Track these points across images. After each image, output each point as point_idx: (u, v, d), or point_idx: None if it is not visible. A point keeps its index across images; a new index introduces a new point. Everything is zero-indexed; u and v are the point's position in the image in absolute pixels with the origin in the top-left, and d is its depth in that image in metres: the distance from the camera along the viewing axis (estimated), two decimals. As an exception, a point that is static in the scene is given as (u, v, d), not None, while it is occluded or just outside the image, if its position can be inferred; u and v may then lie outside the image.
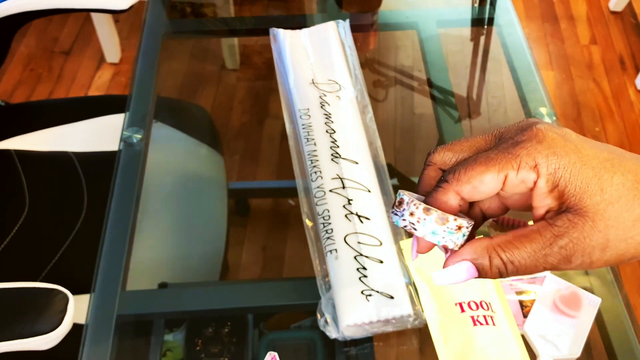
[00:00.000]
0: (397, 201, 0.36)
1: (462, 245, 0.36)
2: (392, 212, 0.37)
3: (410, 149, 0.95)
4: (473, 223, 0.37)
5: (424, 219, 0.35)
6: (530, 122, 0.36)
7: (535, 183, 0.34)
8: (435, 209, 0.35)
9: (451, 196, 0.36)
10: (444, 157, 0.38)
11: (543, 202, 0.35)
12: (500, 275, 0.35)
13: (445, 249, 0.37)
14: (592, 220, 0.33)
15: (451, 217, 0.35)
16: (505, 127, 0.37)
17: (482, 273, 0.35)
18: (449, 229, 0.35)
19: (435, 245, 0.37)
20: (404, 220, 0.36)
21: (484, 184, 0.35)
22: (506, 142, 0.36)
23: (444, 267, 0.36)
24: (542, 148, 0.34)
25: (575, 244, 0.33)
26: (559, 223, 0.34)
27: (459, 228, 0.35)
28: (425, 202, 0.36)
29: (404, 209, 0.36)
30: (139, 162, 0.83)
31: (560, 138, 0.34)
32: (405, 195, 0.36)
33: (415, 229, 0.35)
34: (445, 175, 0.36)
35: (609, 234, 0.33)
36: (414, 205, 0.35)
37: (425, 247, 0.38)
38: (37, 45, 1.96)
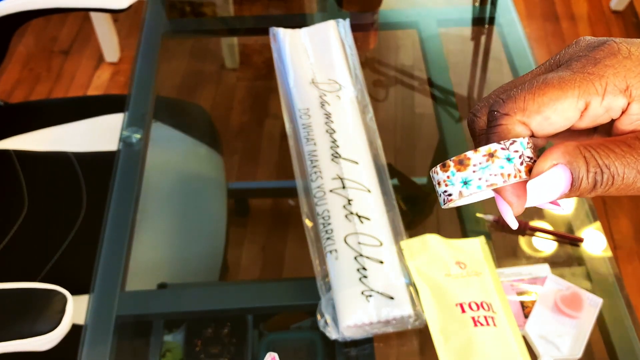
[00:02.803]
0: (437, 182, 0.29)
1: (531, 168, 0.28)
2: (445, 195, 0.29)
3: (410, 149, 0.95)
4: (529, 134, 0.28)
5: (475, 166, 0.27)
6: (599, 39, 0.28)
7: (624, 110, 0.27)
8: (471, 152, 0.27)
9: (519, 129, 0.28)
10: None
11: (634, 130, 0.28)
12: (594, 186, 0.27)
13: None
14: None
15: (497, 145, 0.27)
16: (564, 50, 0.29)
17: (575, 182, 0.27)
18: (505, 158, 0.27)
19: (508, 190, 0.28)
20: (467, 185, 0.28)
21: (558, 114, 0.27)
22: (577, 60, 0.27)
23: (528, 187, 0.28)
24: (632, 65, 0.26)
25: None
26: None
27: (514, 143, 0.27)
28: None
29: (449, 178, 0.28)
30: (138, 162, 0.82)
31: None
32: (437, 172, 0.28)
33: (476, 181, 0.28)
34: (500, 106, 0.28)
35: None
36: (446, 166, 0.28)
37: (517, 195, 0.28)
38: (36, 45, 1.96)
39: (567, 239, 0.74)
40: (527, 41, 0.95)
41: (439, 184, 0.29)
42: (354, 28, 0.91)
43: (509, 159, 0.27)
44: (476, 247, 0.69)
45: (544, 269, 0.69)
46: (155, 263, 0.86)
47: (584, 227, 0.75)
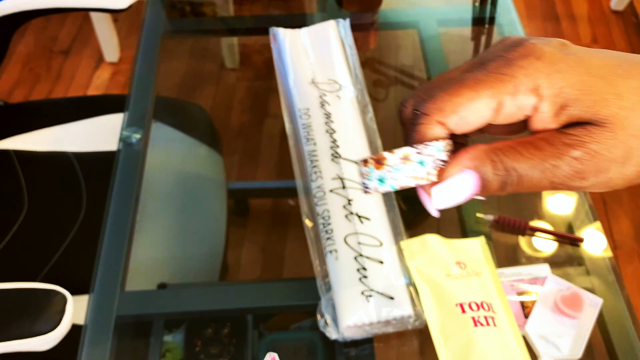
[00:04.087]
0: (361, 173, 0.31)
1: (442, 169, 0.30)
2: (364, 186, 0.31)
3: (410, 149, 0.95)
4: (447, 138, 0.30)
5: (391, 166, 0.30)
6: (519, 39, 0.30)
7: (536, 108, 0.29)
8: (390, 151, 0.30)
9: (437, 129, 0.29)
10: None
11: (546, 128, 0.29)
12: (502, 187, 0.29)
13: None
14: (611, 131, 0.27)
15: (411, 149, 0.30)
16: (491, 47, 0.31)
17: (484, 184, 0.29)
18: (418, 162, 0.30)
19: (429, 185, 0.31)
20: (383, 184, 0.30)
21: (473, 113, 0.29)
22: (494, 60, 0.29)
23: (432, 192, 0.30)
24: (542, 65, 0.28)
25: (592, 156, 0.28)
26: (573, 132, 0.28)
27: (428, 147, 0.29)
28: (406, 144, 0.31)
29: (368, 174, 0.30)
30: (138, 162, 0.82)
31: (559, 52, 0.28)
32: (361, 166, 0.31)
33: (394, 180, 0.30)
34: (421, 106, 0.30)
35: (631, 144, 0.27)
36: (366, 162, 0.30)
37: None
38: (35, 45, 1.96)
39: (567, 239, 0.74)
40: (527, 41, 0.95)
41: (361, 175, 0.31)
42: (354, 28, 0.91)
43: (421, 163, 0.30)
44: (476, 247, 0.69)
45: (544, 269, 0.69)
46: (155, 263, 0.86)
47: (584, 227, 0.75)
